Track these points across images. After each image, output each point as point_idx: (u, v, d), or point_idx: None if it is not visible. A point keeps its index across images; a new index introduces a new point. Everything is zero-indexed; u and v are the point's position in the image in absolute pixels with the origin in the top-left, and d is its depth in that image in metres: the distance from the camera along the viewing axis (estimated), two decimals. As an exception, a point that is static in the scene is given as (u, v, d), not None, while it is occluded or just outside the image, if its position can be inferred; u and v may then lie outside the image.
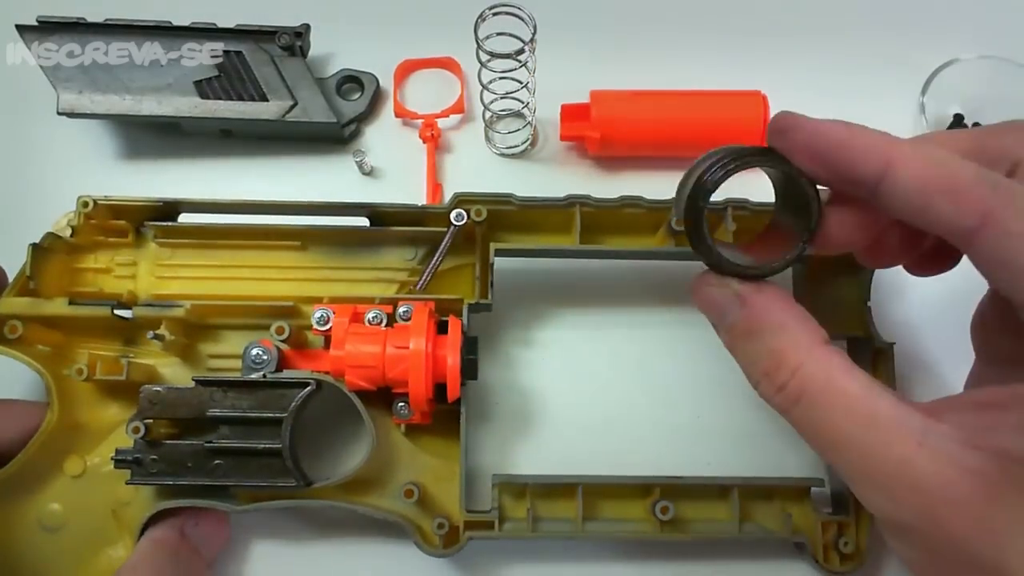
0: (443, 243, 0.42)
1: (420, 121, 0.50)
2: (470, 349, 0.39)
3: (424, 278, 0.42)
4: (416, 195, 0.48)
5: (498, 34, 0.43)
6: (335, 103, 0.49)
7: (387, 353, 0.38)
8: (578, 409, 0.45)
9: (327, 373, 0.39)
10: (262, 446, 0.37)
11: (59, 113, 0.47)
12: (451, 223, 0.41)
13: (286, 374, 0.39)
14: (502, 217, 0.43)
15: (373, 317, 0.40)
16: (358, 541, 0.42)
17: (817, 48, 0.53)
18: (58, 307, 0.40)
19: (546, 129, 0.51)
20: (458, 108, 0.51)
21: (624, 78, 0.49)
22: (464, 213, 0.41)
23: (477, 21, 0.42)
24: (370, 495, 0.40)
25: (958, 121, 0.51)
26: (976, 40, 0.51)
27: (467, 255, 0.43)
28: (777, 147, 0.31)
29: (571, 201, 0.42)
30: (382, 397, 0.39)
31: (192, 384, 0.38)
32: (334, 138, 0.50)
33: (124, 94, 0.47)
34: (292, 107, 0.48)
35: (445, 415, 0.40)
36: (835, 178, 0.30)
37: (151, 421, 0.38)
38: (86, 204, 0.41)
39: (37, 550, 0.39)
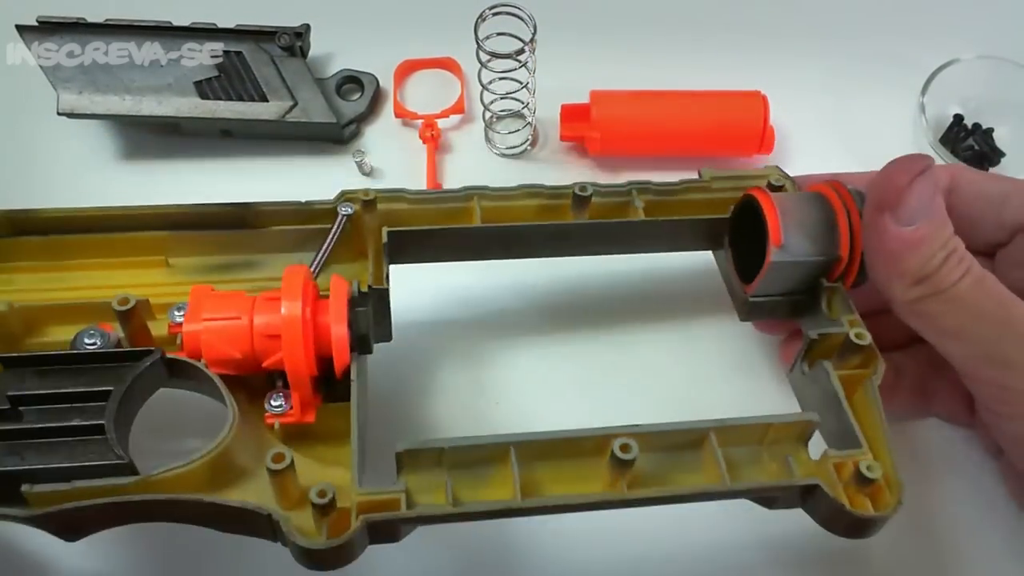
0: (332, 232, 0.36)
1: (420, 121, 0.50)
2: (363, 304, 0.33)
3: (316, 264, 0.35)
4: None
5: (498, 34, 0.43)
6: (335, 103, 0.50)
7: (255, 324, 0.30)
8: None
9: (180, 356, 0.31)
10: (78, 423, 0.28)
11: (59, 113, 0.47)
12: (338, 213, 0.37)
13: (119, 349, 0.31)
14: (399, 216, 0.38)
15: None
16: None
17: (817, 48, 0.53)
18: None
19: (546, 129, 0.51)
20: (458, 108, 0.51)
21: (624, 78, 0.49)
22: (350, 205, 0.37)
23: (477, 21, 0.42)
24: (228, 490, 0.30)
25: (958, 121, 0.51)
26: (976, 40, 0.51)
27: (363, 259, 0.38)
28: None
29: (468, 192, 0.38)
30: (247, 390, 0.32)
31: None
32: (334, 138, 0.50)
33: (124, 94, 0.47)
34: (292, 107, 0.48)
35: (331, 414, 0.32)
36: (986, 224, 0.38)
37: None
38: None
39: None
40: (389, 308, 0.37)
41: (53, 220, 0.36)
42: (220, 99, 0.48)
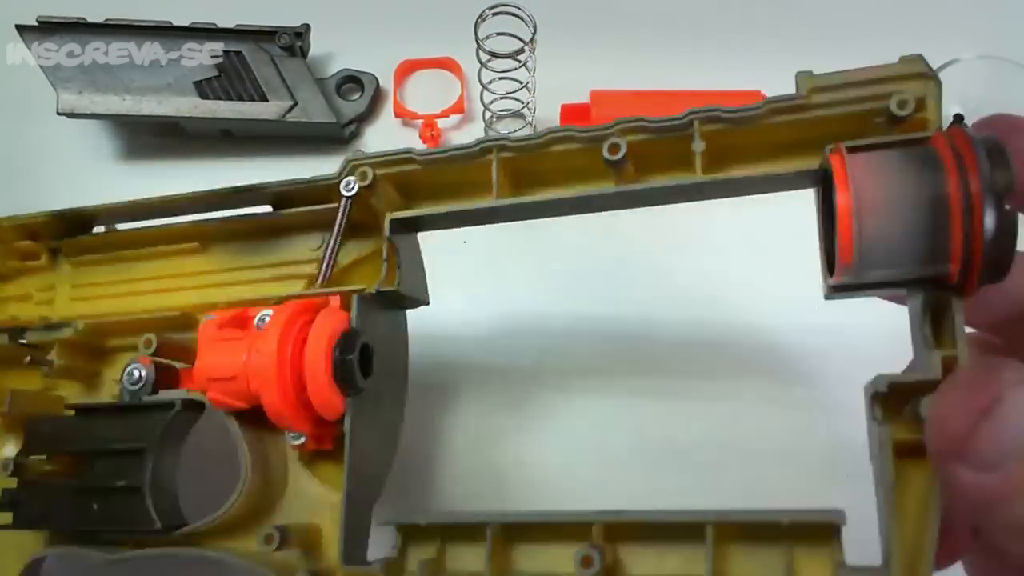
0: (337, 222, 0.33)
1: (420, 121, 0.50)
2: (347, 346, 0.30)
3: (324, 268, 0.33)
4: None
5: (498, 34, 0.43)
6: (335, 103, 0.50)
7: (250, 362, 0.30)
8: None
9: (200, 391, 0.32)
10: (120, 483, 0.31)
11: (59, 113, 0.47)
12: (341, 195, 0.33)
13: (160, 395, 0.33)
14: (410, 185, 0.33)
15: (260, 321, 0.32)
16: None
17: (817, 48, 0.53)
18: None
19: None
20: (458, 108, 0.51)
21: (624, 78, 0.49)
22: (353, 181, 0.33)
23: (477, 21, 0.42)
24: (247, 539, 0.32)
25: (958, 121, 0.51)
26: (976, 40, 0.51)
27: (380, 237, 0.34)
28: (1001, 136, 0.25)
29: (485, 146, 0.31)
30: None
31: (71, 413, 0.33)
32: (334, 138, 0.50)
33: (124, 94, 0.47)
34: (292, 107, 0.48)
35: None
36: None
37: (31, 458, 0.33)
38: None
39: None
40: (403, 301, 0.34)
41: (94, 215, 0.38)
42: (220, 99, 0.48)
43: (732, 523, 0.27)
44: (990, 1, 0.55)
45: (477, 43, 0.42)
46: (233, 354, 0.30)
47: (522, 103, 0.48)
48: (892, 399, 0.25)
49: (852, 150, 0.26)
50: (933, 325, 0.26)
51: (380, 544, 0.31)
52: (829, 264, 0.27)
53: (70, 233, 0.38)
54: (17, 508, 0.32)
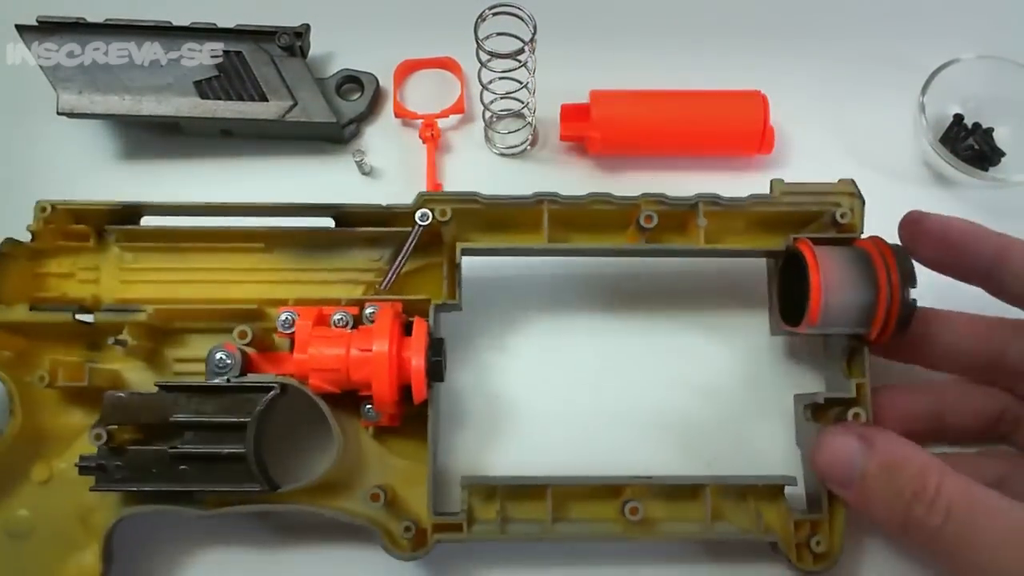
0: (407, 243, 0.41)
1: (420, 121, 0.50)
2: (436, 351, 0.38)
3: (389, 278, 0.41)
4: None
5: (498, 34, 0.43)
6: (335, 103, 0.50)
7: (351, 356, 0.37)
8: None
9: (291, 376, 0.38)
10: (226, 451, 0.37)
11: (59, 113, 0.47)
12: (416, 223, 0.40)
13: (250, 378, 0.38)
14: (469, 216, 0.41)
15: (339, 319, 0.39)
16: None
17: (817, 48, 0.53)
18: (20, 313, 0.39)
19: (546, 129, 0.51)
20: (458, 108, 0.51)
21: (624, 78, 0.49)
22: (429, 213, 0.40)
23: (477, 21, 0.42)
24: (337, 499, 0.40)
25: (958, 121, 0.51)
26: (976, 40, 0.51)
27: (435, 255, 0.42)
28: (906, 237, 0.39)
29: (539, 199, 0.41)
30: (350, 399, 0.39)
31: (156, 390, 0.38)
32: (334, 138, 0.50)
33: (124, 94, 0.47)
34: (292, 107, 0.48)
35: (414, 417, 0.40)
36: (956, 262, 0.38)
37: (114, 427, 0.37)
38: (44, 209, 0.40)
39: (5, 557, 0.39)
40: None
41: (168, 208, 0.42)
42: (220, 99, 0.48)
43: (722, 485, 0.40)
44: (990, 1, 0.55)
45: (477, 43, 0.42)
46: (336, 349, 0.37)
47: (522, 103, 0.48)
48: (819, 407, 0.41)
49: (815, 242, 0.39)
50: (848, 362, 0.40)
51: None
52: (782, 310, 0.42)
53: (121, 221, 0.42)
54: (102, 472, 0.37)
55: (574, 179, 0.50)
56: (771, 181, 0.42)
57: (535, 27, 0.42)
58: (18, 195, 0.49)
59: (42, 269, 0.42)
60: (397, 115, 0.51)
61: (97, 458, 0.37)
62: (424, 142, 0.50)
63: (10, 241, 0.40)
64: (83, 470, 0.37)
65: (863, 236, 0.41)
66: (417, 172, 0.49)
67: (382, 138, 0.51)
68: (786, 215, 0.41)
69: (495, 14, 0.42)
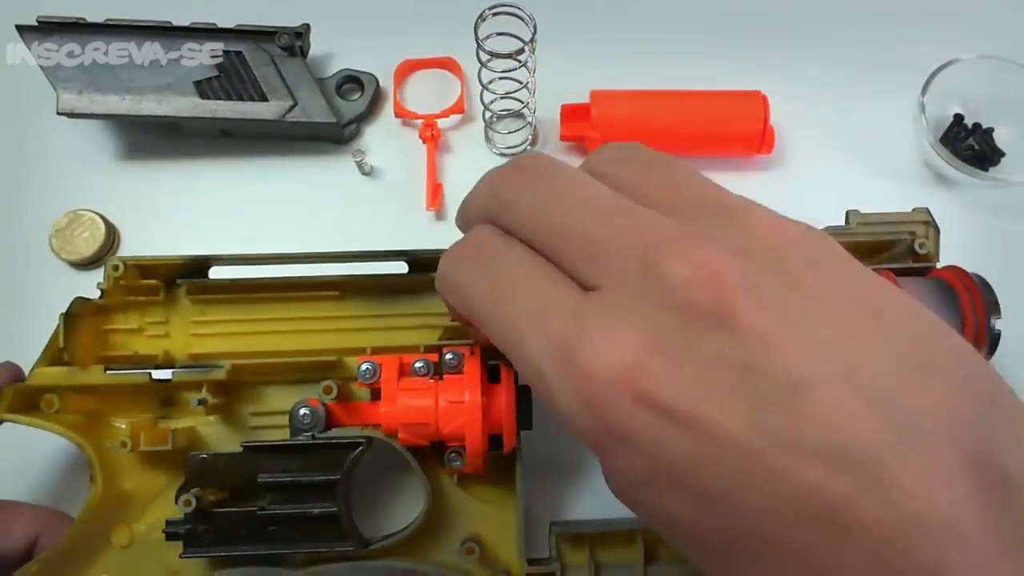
0: None
1: (420, 121, 0.50)
2: (525, 398, 0.37)
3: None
4: (416, 195, 0.49)
5: (498, 34, 0.43)
6: (335, 103, 0.50)
7: (440, 407, 0.36)
8: None
9: (377, 427, 0.37)
10: (317, 511, 0.36)
11: (59, 113, 0.47)
12: None
13: (335, 432, 0.37)
14: None
15: (420, 367, 0.37)
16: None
17: (817, 48, 0.53)
18: (95, 376, 0.38)
19: (546, 129, 0.51)
20: (458, 108, 0.51)
21: (624, 78, 0.49)
22: None
23: (477, 21, 0.42)
24: (429, 551, 0.39)
25: (958, 121, 0.51)
26: (976, 40, 0.51)
27: None
28: None
29: None
30: (432, 447, 0.38)
31: (239, 449, 0.37)
32: (334, 138, 0.50)
33: (124, 94, 0.47)
34: (292, 107, 0.48)
35: (495, 461, 0.38)
36: None
37: (199, 490, 0.36)
38: (116, 267, 0.39)
39: None
40: None
41: (237, 259, 0.40)
42: (220, 99, 0.48)
43: None
44: (990, 1, 0.55)
45: (477, 43, 0.42)
46: (425, 400, 0.36)
47: (522, 103, 0.48)
48: None
49: (897, 273, 0.38)
50: None
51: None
52: None
53: (191, 275, 0.40)
54: (191, 537, 0.36)
55: (574, 179, 0.50)
56: (847, 212, 0.41)
57: (535, 27, 0.42)
58: (18, 195, 0.49)
59: (109, 325, 0.40)
60: (397, 115, 0.51)
61: (184, 523, 0.36)
62: (424, 142, 0.50)
63: (80, 300, 0.38)
64: (170, 536, 0.36)
65: (938, 265, 0.40)
66: (417, 172, 0.49)
67: (382, 138, 0.51)
68: (860, 244, 0.41)
69: (495, 14, 0.42)
